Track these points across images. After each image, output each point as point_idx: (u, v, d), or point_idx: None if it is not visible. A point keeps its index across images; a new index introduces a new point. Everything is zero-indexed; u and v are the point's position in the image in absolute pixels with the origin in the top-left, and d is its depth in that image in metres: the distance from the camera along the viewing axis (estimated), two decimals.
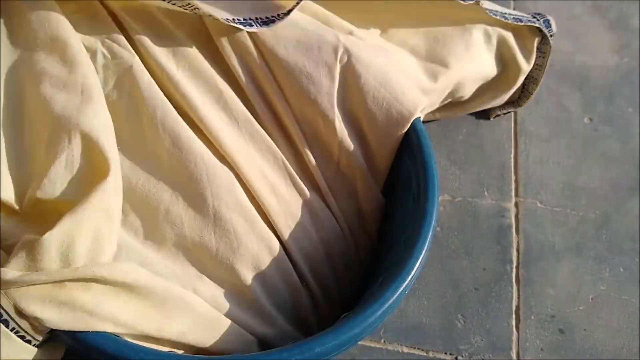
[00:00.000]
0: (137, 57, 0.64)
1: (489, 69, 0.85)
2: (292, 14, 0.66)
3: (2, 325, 0.48)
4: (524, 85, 0.94)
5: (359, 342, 0.77)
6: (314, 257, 0.66)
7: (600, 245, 0.88)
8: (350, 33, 0.73)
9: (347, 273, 0.71)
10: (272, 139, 0.67)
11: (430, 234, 0.60)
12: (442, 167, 0.94)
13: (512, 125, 1.00)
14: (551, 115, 1.02)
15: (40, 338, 0.50)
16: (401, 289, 0.55)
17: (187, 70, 0.66)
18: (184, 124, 0.63)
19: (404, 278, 0.56)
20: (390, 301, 0.55)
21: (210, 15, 0.63)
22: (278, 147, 0.67)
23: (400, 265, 0.57)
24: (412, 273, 0.56)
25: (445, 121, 0.99)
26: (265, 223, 0.63)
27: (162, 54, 0.65)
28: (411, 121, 0.69)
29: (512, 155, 0.97)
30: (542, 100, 1.04)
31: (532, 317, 0.81)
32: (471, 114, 1.00)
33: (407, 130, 0.69)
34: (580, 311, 0.82)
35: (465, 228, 0.88)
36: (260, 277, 0.61)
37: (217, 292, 0.60)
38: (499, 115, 0.97)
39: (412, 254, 0.58)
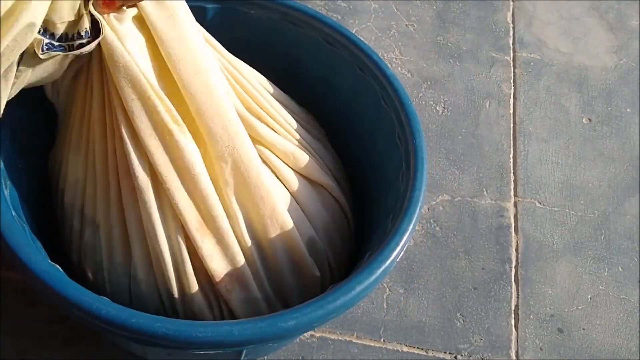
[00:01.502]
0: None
1: None
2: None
3: None
4: None
5: (359, 341, 0.77)
6: (329, 231, 0.69)
7: (599, 245, 0.89)
8: None
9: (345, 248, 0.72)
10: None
11: (418, 209, 0.60)
12: (441, 167, 0.94)
13: (511, 125, 1.00)
14: (550, 115, 1.03)
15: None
16: (388, 261, 0.57)
17: None
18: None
19: (389, 253, 0.57)
20: (378, 273, 0.56)
21: None
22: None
23: (387, 239, 0.58)
24: (400, 245, 0.58)
25: (444, 122, 0.99)
26: None
27: None
28: None
29: (511, 156, 0.97)
30: (540, 100, 1.04)
31: (531, 317, 0.81)
32: (470, 114, 1.00)
33: (397, 111, 0.69)
34: (579, 310, 0.82)
35: (464, 228, 0.88)
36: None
37: None
38: None
39: (400, 226, 0.59)
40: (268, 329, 0.51)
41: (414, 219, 0.60)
